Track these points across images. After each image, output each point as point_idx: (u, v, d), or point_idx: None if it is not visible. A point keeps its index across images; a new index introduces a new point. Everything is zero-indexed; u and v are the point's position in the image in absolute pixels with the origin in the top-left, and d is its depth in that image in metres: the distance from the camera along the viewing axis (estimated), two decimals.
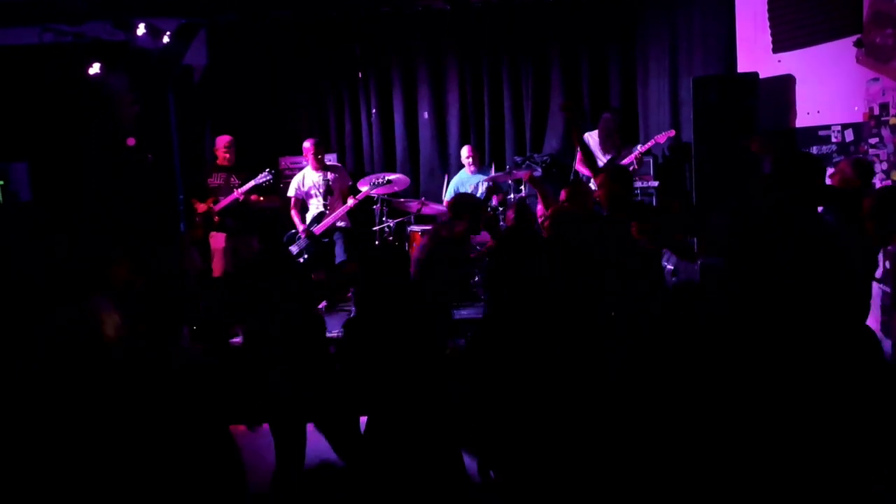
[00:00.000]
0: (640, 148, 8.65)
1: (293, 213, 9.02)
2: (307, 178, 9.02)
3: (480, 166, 9.76)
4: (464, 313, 8.09)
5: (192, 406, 3.35)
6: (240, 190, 8.59)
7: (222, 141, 8.87)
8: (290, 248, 8.73)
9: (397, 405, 4.03)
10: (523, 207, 6.41)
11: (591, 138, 9.00)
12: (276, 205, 9.08)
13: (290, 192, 9.11)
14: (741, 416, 3.78)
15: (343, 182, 9.06)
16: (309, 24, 10.41)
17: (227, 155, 8.82)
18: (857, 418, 3.71)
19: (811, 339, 3.78)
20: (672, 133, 8.70)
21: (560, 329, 4.31)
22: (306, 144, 8.99)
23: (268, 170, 8.64)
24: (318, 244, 8.74)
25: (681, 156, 9.42)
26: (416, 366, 4.08)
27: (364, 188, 8.92)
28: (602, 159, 8.89)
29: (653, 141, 8.62)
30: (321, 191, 8.88)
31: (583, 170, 8.91)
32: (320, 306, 8.98)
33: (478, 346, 4.67)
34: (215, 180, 8.79)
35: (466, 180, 9.56)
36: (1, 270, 4.72)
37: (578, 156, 8.96)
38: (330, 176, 8.94)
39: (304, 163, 9.21)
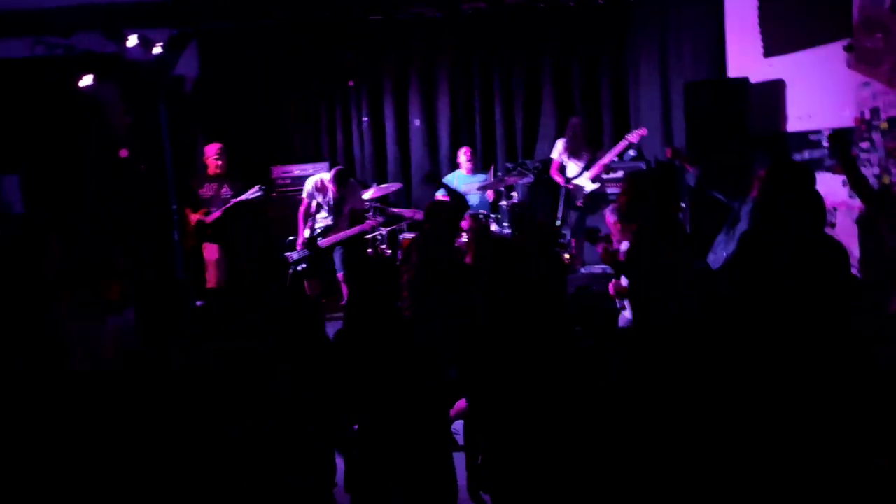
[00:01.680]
0: (614, 150, 8.64)
1: (301, 214, 8.92)
2: (329, 192, 8.96)
3: (476, 169, 9.78)
4: None
5: (190, 405, 3.36)
6: (228, 205, 8.55)
7: (212, 149, 8.82)
8: (288, 254, 8.72)
9: (385, 414, 4.02)
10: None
11: (561, 145, 8.97)
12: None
13: (305, 194, 8.97)
14: (738, 417, 3.80)
15: (354, 202, 9.02)
16: (300, 32, 10.43)
17: (219, 163, 8.77)
18: (852, 421, 3.74)
19: (808, 340, 3.81)
20: (644, 132, 8.63)
21: (559, 329, 4.31)
22: (332, 172, 8.88)
23: (258, 186, 8.60)
24: (318, 254, 8.72)
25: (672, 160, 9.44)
26: (405, 377, 4.08)
27: (365, 196, 8.98)
28: (575, 165, 8.87)
29: (625, 141, 8.58)
30: (333, 206, 8.85)
31: (561, 180, 8.89)
32: None
33: (474, 350, 4.67)
34: (207, 190, 8.74)
35: (462, 181, 9.58)
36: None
37: (553, 164, 8.95)
38: (346, 195, 8.92)
39: (299, 171, 9.22)
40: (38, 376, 3.44)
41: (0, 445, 3.23)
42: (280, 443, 3.63)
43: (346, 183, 8.93)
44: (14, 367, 3.49)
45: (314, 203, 8.90)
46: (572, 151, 8.86)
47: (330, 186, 8.86)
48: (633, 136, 8.57)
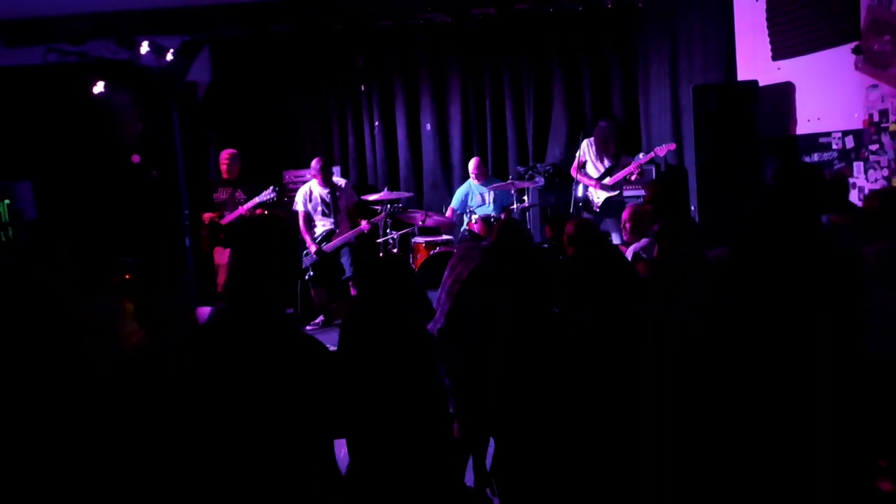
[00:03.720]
0: (640, 158, 8.65)
1: (302, 228, 9.00)
2: (314, 193, 9.04)
3: (486, 178, 9.79)
4: None
5: (191, 408, 3.38)
6: (244, 207, 8.61)
7: (225, 154, 8.88)
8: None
9: (391, 419, 4.03)
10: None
11: (589, 146, 9.03)
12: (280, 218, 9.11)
13: (298, 207, 9.08)
14: (741, 424, 3.80)
15: (349, 199, 9.10)
16: (311, 37, 10.48)
17: (233, 167, 8.82)
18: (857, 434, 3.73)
19: (812, 348, 3.80)
20: (672, 146, 8.68)
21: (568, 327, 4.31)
22: (314, 163, 9.01)
23: (272, 187, 8.65)
24: (328, 261, 8.75)
25: (682, 164, 9.45)
26: (413, 381, 4.09)
27: (373, 198, 9.02)
28: (599, 167, 8.92)
29: (652, 153, 8.61)
30: (329, 207, 8.90)
31: (583, 179, 8.94)
32: (317, 321, 9.04)
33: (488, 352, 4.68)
34: (221, 195, 8.79)
35: (474, 190, 9.61)
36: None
37: (575, 163, 9.00)
38: (337, 192, 8.97)
39: (309, 177, 9.26)
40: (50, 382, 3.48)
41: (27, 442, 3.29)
42: (278, 449, 3.66)
43: (330, 171, 8.99)
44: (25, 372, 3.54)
45: (307, 213, 9.04)
46: (598, 154, 8.92)
47: (315, 177, 8.90)
48: (660, 150, 8.58)
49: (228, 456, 3.35)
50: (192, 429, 3.31)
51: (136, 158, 8.99)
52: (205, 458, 3.31)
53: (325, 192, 8.93)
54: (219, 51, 10.46)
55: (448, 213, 9.72)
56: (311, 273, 8.75)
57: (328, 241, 8.80)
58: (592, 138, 9.09)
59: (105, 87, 8.47)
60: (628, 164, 8.65)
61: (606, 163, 8.89)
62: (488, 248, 5.42)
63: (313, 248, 8.82)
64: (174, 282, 8.31)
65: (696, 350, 4.09)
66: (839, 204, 5.09)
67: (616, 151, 8.90)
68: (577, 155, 9.05)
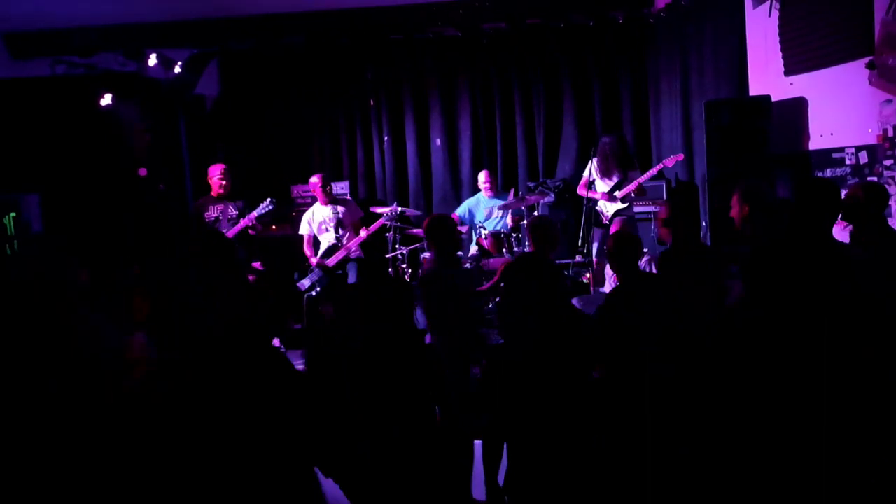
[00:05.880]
0: (648, 172, 8.58)
1: (306, 249, 8.84)
2: (317, 214, 8.84)
3: (497, 192, 9.73)
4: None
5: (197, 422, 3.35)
6: (245, 220, 8.30)
7: (216, 170, 8.46)
8: (301, 281, 8.65)
9: (397, 437, 3.99)
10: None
11: (593, 164, 8.93)
12: (286, 232, 9.02)
13: (302, 230, 8.90)
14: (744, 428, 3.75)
15: (354, 214, 8.94)
16: (320, 51, 10.48)
17: (223, 182, 8.37)
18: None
19: (818, 356, 3.75)
20: (681, 157, 8.59)
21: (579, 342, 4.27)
22: (314, 179, 8.78)
23: (269, 199, 8.42)
24: (331, 276, 8.64)
25: (693, 179, 9.38)
26: (416, 397, 4.04)
27: (379, 210, 8.96)
28: (607, 183, 8.83)
29: (660, 164, 8.52)
30: (332, 225, 8.76)
31: (592, 194, 8.86)
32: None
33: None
34: (211, 213, 8.40)
35: (483, 203, 9.53)
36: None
37: (582, 181, 8.91)
38: (340, 209, 8.82)
39: (312, 195, 9.17)
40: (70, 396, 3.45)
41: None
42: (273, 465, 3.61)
43: (330, 187, 8.84)
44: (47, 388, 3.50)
45: (313, 235, 8.90)
46: (603, 171, 8.81)
47: (316, 194, 8.76)
48: (668, 161, 8.48)
49: (222, 468, 3.31)
50: (197, 437, 3.28)
51: (143, 171, 8.93)
52: (206, 465, 3.28)
53: (327, 211, 8.78)
54: (227, 64, 10.47)
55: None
56: (318, 290, 8.63)
57: (330, 256, 8.68)
58: (596, 157, 9.00)
59: (113, 99, 8.43)
60: (636, 179, 8.57)
61: (614, 179, 8.79)
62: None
63: (314, 261, 8.69)
64: (184, 291, 8.27)
65: (700, 354, 4.05)
66: (864, 215, 4.96)
67: (621, 166, 8.75)
68: (584, 175, 8.97)
